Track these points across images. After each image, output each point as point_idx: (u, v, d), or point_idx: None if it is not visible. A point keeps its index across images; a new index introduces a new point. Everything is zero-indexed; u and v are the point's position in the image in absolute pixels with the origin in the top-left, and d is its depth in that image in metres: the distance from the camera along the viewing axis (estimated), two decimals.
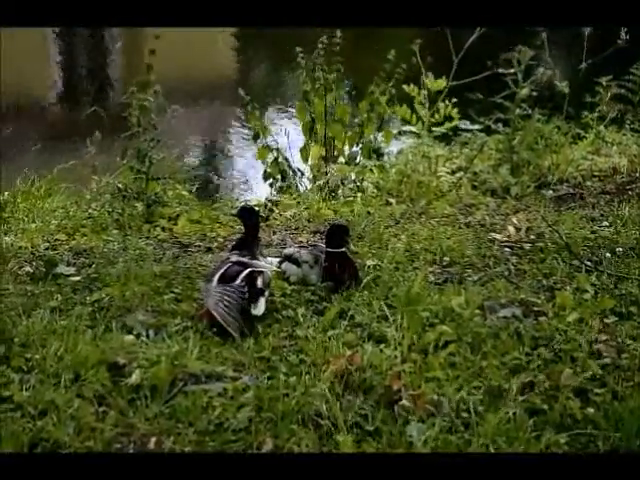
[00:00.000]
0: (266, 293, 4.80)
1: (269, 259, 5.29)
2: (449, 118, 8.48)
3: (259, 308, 4.68)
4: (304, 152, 8.80)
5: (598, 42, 8.85)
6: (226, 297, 4.66)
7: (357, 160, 8.64)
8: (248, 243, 5.12)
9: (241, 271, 4.78)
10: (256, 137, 8.86)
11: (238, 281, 4.74)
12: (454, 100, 8.41)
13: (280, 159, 8.73)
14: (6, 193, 7.37)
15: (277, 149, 8.80)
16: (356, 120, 8.85)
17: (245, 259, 4.92)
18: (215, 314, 4.62)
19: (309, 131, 8.83)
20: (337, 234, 5.24)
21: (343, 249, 5.20)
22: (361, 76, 8.90)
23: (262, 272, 4.83)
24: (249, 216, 5.27)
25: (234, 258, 4.94)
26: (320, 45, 8.59)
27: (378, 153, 8.70)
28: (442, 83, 8.44)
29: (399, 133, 9.46)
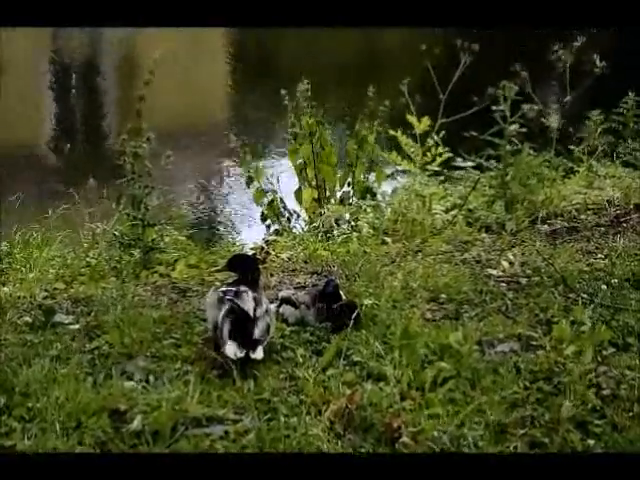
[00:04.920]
0: (265, 341, 4.78)
1: (271, 306, 5.24)
2: (440, 155, 8.60)
3: (257, 353, 4.67)
4: (298, 194, 8.86)
5: (578, 74, 9.00)
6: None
7: (350, 200, 8.70)
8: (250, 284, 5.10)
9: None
10: (249, 181, 8.92)
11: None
12: (443, 135, 8.54)
13: (276, 201, 8.79)
14: (3, 244, 7.39)
15: (274, 191, 8.87)
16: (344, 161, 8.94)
17: (243, 302, 4.90)
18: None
19: (301, 173, 8.88)
20: (330, 290, 5.32)
21: (342, 300, 5.28)
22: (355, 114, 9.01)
23: (258, 321, 4.82)
24: (242, 265, 5.24)
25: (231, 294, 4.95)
26: (302, 89, 8.68)
27: (371, 193, 8.76)
28: (427, 122, 8.57)
29: (392, 174, 9.51)
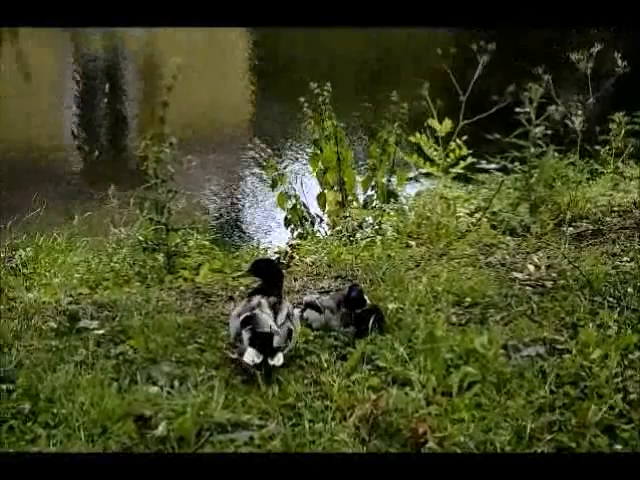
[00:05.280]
0: (287, 347, 4.79)
1: (295, 311, 5.25)
2: (463, 157, 8.57)
3: (276, 360, 4.67)
4: (321, 199, 8.85)
5: (600, 74, 8.97)
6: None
7: (373, 204, 8.68)
8: (273, 289, 5.11)
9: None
10: (274, 185, 8.91)
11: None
12: (466, 138, 8.52)
13: (299, 206, 8.78)
14: (28, 249, 7.41)
15: (295, 196, 8.85)
16: (365, 164, 8.93)
17: (263, 311, 4.91)
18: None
19: (323, 177, 8.87)
20: (354, 295, 5.30)
21: (366, 305, 5.26)
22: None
23: (278, 330, 4.81)
24: (266, 270, 5.26)
25: (255, 303, 4.94)
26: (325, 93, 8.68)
27: (394, 196, 8.73)
28: (449, 125, 8.55)
29: (415, 177, 9.48)
